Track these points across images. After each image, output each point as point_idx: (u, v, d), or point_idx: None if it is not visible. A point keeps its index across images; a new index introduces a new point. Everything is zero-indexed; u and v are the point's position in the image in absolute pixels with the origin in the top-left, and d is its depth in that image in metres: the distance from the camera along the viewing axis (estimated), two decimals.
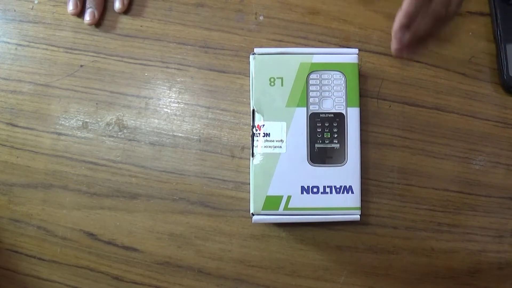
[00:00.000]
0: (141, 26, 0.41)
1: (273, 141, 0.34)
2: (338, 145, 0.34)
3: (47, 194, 0.39)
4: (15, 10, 0.42)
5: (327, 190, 0.33)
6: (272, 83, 0.34)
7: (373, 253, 0.38)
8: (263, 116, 0.34)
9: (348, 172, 0.34)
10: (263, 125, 0.34)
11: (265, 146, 0.34)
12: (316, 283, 0.38)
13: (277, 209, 0.33)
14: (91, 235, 0.39)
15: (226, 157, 0.39)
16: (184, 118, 0.40)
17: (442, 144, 0.39)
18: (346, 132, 0.34)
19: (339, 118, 0.34)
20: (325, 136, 0.34)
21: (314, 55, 0.34)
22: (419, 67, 0.40)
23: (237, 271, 0.38)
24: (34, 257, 0.39)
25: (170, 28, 0.41)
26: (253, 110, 0.34)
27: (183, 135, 0.40)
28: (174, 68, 0.40)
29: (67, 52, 0.41)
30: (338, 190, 0.33)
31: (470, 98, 0.40)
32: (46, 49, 0.41)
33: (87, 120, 0.40)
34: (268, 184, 0.33)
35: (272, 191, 0.33)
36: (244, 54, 0.40)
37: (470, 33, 0.41)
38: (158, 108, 0.40)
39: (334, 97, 0.34)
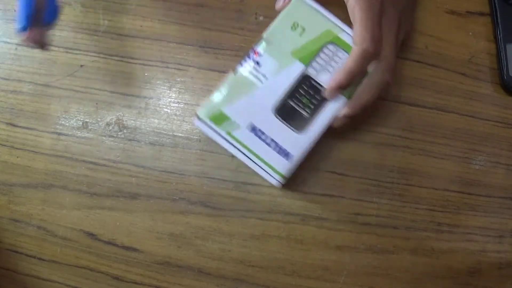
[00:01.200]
0: (141, 26, 0.41)
1: (259, 72, 0.34)
2: (307, 115, 0.34)
3: (47, 194, 0.39)
4: (15, 10, 0.42)
5: (271, 143, 0.34)
6: (293, 28, 0.34)
7: (373, 253, 0.38)
8: (266, 47, 0.34)
9: (298, 142, 0.34)
10: (261, 55, 0.34)
11: (249, 72, 0.34)
12: (316, 283, 0.38)
13: (220, 127, 0.34)
14: (91, 235, 0.39)
15: (226, 157, 0.39)
16: (184, 118, 0.40)
17: (442, 144, 0.39)
18: (320, 111, 0.34)
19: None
20: (302, 100, 0.34)
21: (343, 32, 0.35)
22: (419, 67, 0.40)
23: (237, 271, 0.38)
24: (34, 257, 0.39)
25: (170, 28, 0.41)
26: (262, 38, 0.35)
27: (183, 135, 0.40)
28: (174, 68, 0.40)
29: (67, 52, 0.41)
30: (279, 150, 0.34)
31: (470, 98, 0.40)
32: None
33: (87, 120, 0.40)
34: (228, 103, 0.34)
35: (227, 111, 0.34)
36: (244, 54, 0.40)
37: (470, 33, 0.41)
38: (158, 108, 0.40)
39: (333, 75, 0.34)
